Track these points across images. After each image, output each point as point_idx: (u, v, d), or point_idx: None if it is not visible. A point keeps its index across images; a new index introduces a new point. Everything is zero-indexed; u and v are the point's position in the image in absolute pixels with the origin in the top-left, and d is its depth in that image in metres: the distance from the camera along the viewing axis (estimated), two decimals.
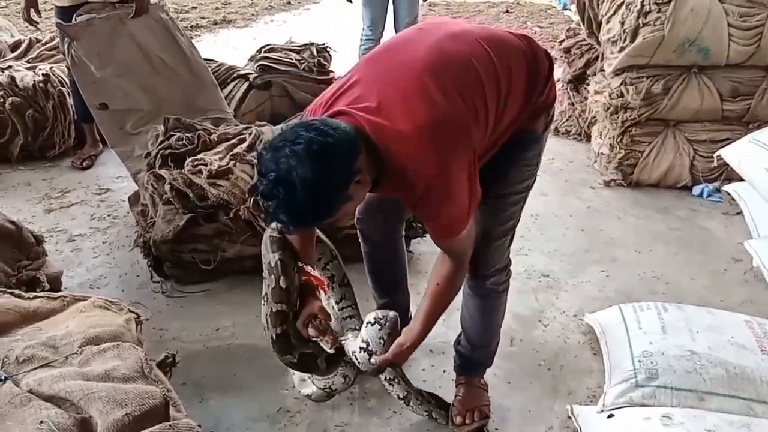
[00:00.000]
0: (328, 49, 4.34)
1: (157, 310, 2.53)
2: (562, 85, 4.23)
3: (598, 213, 3.36)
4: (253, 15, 7.18)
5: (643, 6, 3.26)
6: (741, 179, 3.06)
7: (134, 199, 2.98)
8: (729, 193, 3.22)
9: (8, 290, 1.89)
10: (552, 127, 1.91)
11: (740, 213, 3.10)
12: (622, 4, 3.38)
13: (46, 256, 2.55)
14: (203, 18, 6.90)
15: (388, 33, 4.42)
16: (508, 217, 1.87)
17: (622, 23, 3.34)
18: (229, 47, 5.90)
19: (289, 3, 7.68)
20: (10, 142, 3.67)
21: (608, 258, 2.97)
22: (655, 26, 3.23)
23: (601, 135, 3.70)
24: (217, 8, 7.27)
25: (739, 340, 2.08)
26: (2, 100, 3.62)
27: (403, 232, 2.21)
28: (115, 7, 3.37)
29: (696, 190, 3.52)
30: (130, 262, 2.85)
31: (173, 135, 2.69)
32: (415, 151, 1.52)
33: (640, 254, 3.01)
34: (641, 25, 3.26)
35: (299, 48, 4.29)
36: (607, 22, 3.50)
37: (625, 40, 3.33)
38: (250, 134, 2.70)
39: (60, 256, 2.86)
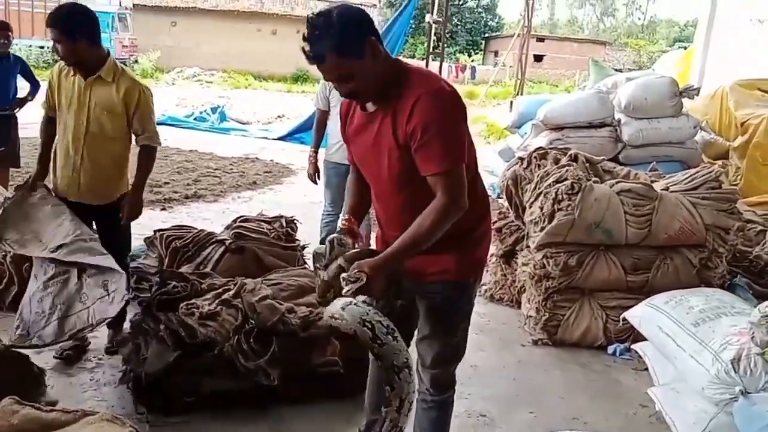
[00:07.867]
0: (295, 221, 4.97)
1: None
2: (496, 259, 4.92)
3: (528, 366, 3.88)
4: (221, 192, 7.91)
5: (557, 195, 4.04)
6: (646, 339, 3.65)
7: (122, 342, 3.36)
8: (637, 352, 3.80)
9: (30, 404, 2.25)
10: (481, 283, 2.42)
11: (647, 369, 3.66)
12: (540, 193, 4.16)
13: (46, 386, 2.92)
14: (175, 192, 7.57)
15: None
16: (457, 350, 2.39)
17: (541, 208, 4.09)
18: (201, 218, 6.51)
19: (254, 183, 8.49)
20: (5, 290, 4.04)
21: (536, 402, 3.45)
22: (567, 211, 3.97)
23: (529, 301, 4.31)
24: (188, 184, 7.99)
25: None
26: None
27: None
28: None
29: (610, 349, 4.09)
30: (117, 397, 3.18)
31: (170, 284, 3.17)
32: (427, 76, 2.09)
33: (563, 399, 3.50)
34: (556, 210, 4.01)
35: (270, 219, 4.91)
36: (530, 207, 4.26)
37: (544, 221, 4.05)
38: (234, 284, 3.20)
39: (51, 391, 3.16)
